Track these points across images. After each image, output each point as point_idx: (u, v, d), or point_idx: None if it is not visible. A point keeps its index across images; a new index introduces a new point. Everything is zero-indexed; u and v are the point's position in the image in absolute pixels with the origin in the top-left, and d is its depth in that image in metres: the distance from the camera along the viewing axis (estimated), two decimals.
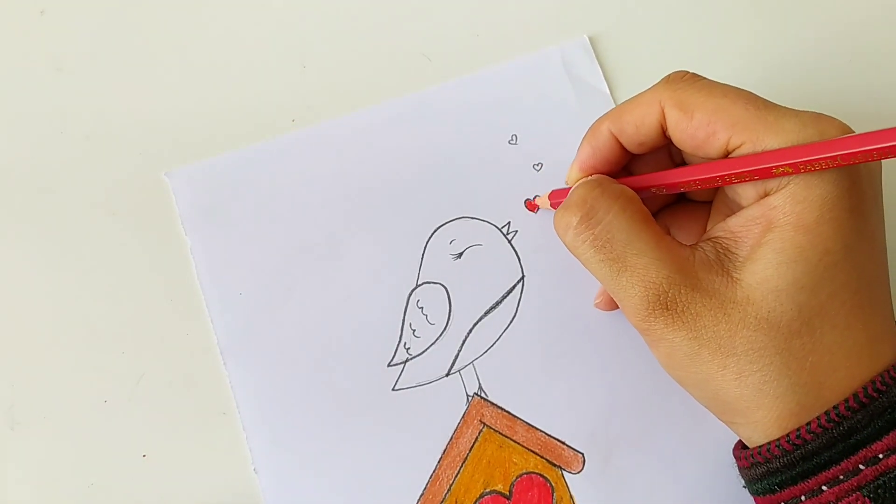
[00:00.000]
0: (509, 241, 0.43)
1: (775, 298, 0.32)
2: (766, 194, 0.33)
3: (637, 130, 0.37)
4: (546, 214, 0.43)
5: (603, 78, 0.46)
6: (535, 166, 0.44)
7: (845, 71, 0.47)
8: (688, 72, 0.36)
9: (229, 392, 0.41)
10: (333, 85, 0.45)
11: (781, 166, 0.32)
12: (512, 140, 0.44)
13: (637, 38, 0.47)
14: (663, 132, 0.36)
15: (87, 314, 0.42)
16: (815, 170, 0.31)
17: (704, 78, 0.36)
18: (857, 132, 0.33)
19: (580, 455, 0.40)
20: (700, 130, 0.34)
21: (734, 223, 0.34)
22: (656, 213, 0.40)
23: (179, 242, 0.43)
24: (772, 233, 0.33)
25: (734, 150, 0.34)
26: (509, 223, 0.43)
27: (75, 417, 0.40)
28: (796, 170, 0.32)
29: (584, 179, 0.37)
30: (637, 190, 0.37)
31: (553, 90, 0.45)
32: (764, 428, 0.33)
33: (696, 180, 0.35)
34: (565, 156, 0.43)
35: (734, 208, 0.36)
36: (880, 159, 0.30)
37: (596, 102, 0.45)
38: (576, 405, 0.41)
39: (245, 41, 0.46)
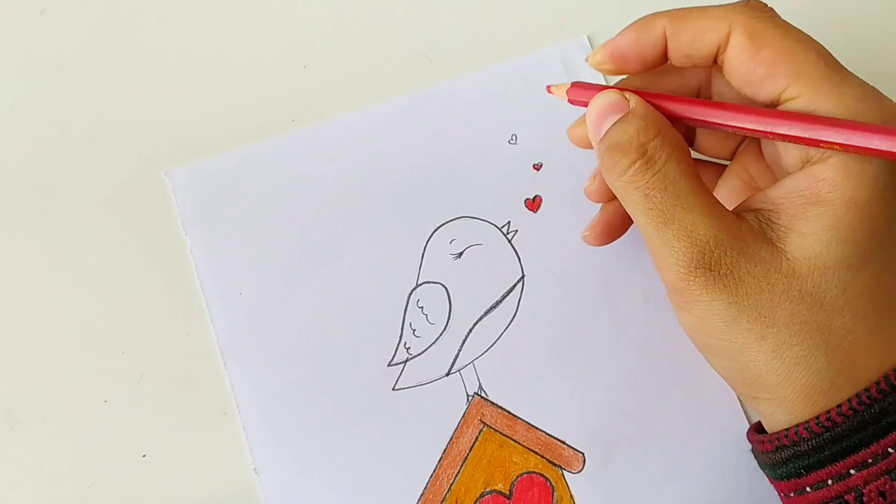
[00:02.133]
0: (509, 241, 0.43)
1: (821, 275, 0.31)
2: (810, 161, 0.32)
3: (692, 41, 0.34)
4: (547, 215, 0.43)
5: (602, 78, 0.45)
6: (535, 166, 0.44)
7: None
8: (767, 4, 0.33)
9: (229, 392, 0.40)
10: (333, 85, 0.45)
11: (832, 144, 0.30)
12: (512, 140, 0.44)
13: None
14: (714, 56, 0.34)
15: (87, 314, 0.41)
16: (865, 154, 0.30)
17: (781, 18, 0.33)
18: None
19: (580, 455, 0.40)
20: (762, 67, 0.32)
21: (777, 194, 0.33)
22: None
23: (179, 242, 0.42)
24: (820, 206, 0.31)
25: (787, 101, 0.32)
26: (509, 223, 0.43)
27: (75, 417, 0.40)
28: (845, 150, 0.30)
29: (637, 115, 0.33)
30: (671, 118, 0.34)
31: None
32: (789, 406, 0.32)
33: (743, 128, 0.32)
34: (565, 155, 0.43)
35: (764, 174, 0.35)
36: None
37: None
38: (576, 405, 0.40)
39: (245, 41, 0.46)
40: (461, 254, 0.42)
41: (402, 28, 0.46)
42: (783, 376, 0.31)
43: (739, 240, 0.32)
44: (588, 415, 0.40)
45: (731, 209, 0.33)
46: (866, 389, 0.31)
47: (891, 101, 0.31)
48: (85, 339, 0.41)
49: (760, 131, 0.32)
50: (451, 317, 0.41)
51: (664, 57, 0.35)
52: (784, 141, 0.32)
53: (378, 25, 0.46)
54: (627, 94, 0.34)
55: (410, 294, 0.42)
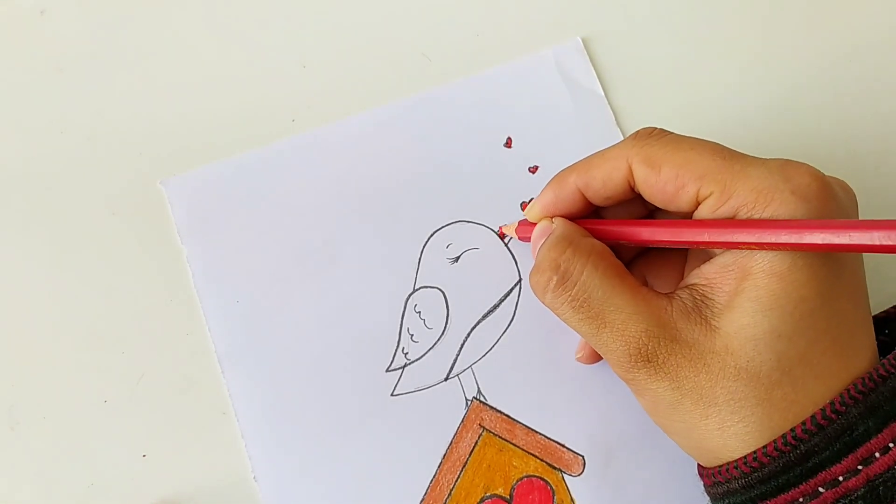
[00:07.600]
0: (506, 245, 0.41)
1: (753, 347, 0.30)
2: None
3: (604, 185, 0.35)
4: None
5: (597, 79, 0.43)
6: (531, 169, 0.42)
7: (841, 77, 0.44)
8: (655, 128, 0.34)
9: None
10: (333, 85, 0.44)
11: (746, 244, 0.30)
12: (507, 143, 0.42)
13: (631, 38, 0.45)
14: (630, 188, 0.34)
15: (88, 314, 0.40)
16: (780, 249, 0.30)
17: (671, 133, 0.34)
18: (825, 174, 0.31)
19: (580, 458, 0.38)
20: (669, 184, 0.32)
21: (709, 270, 0.32)
22: (632, 261, 0.38)
23: (179, 239, 0.41)
24: (747, 280, 0.30)
25: (704, 199, 0.32)
26: None
27: (75, 417, 0.39)
28: (760, 248, 0.30)
29: (553, 235, 0.35)
30: (604, 241, 0.35)
31: (547, 92, 0.44)
32: None
33: (663, 241, 0.33)
34: (561, 158, 0.42)
35: (708, 254, 0.34)
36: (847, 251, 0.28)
37: (591, 104, 0.43)
38: (575, 407, 0.39)
39: (245, 41, 0.45)
40: (458, 258, 0.41)
41: (402, 28, 0.45)
42: (734, 451, 0.31)
43: (671, 328, 0.31)
44: (587, 417, 0.39)
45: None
46: (791, 430, 0.30)
47: (798, 164, 0.31)
48: (85, 339, 0.40)
49: (683, 242, 0.32)
50: (449, 321, 0.40)
51: (588, 203, 0.36)
52: (704, 247, 0.32)
53: (378, 25, 0.45)
54: (555, 219, 0.36)
55: (408, 299, 0.40)
